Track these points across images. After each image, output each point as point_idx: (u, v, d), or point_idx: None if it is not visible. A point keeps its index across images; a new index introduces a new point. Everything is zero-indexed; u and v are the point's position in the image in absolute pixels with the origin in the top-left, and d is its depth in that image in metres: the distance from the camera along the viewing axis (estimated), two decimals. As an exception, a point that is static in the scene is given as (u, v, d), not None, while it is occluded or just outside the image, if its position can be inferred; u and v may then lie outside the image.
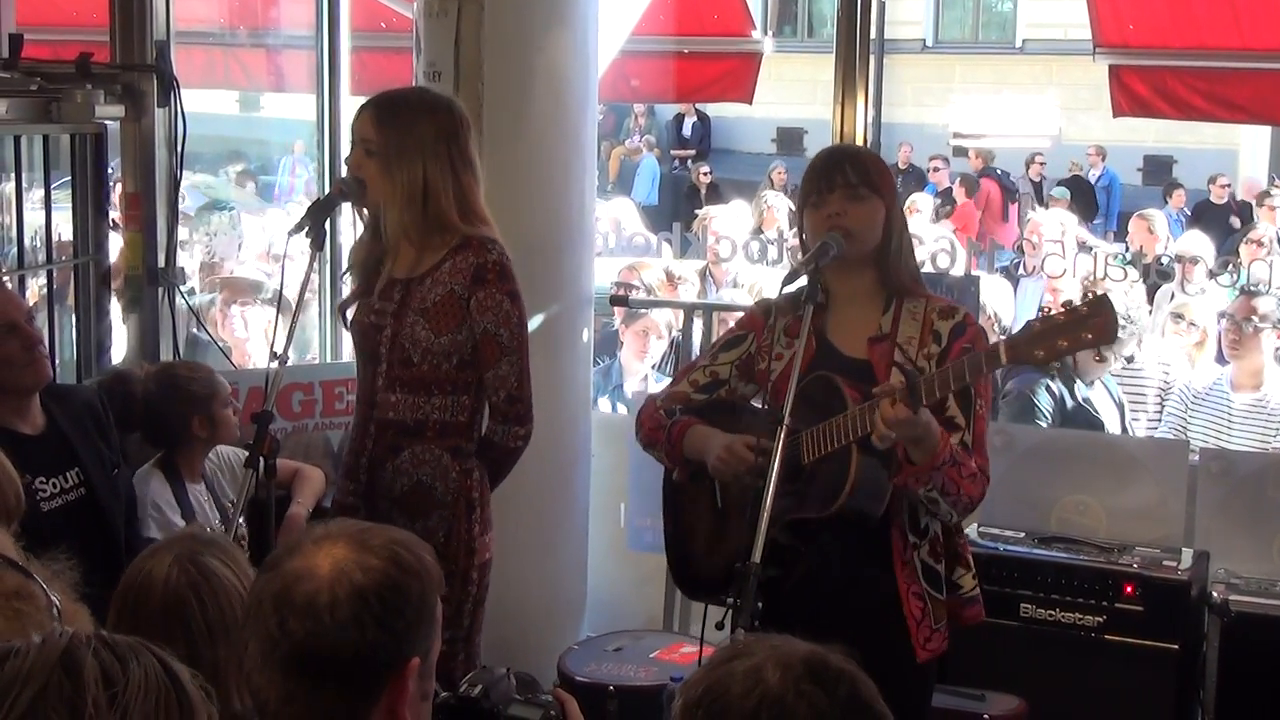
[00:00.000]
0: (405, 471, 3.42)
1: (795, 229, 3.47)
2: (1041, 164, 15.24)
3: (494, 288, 3.37)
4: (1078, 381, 4.82)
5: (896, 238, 3.02)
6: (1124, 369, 5.31)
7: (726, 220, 7.27)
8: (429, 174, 3.36)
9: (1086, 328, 2.59)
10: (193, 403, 4.07)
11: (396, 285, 3.43)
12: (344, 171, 3.56)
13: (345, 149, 5.29)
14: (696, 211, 8.57)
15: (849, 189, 2.96)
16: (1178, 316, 5.60)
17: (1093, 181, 15.28)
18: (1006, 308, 6.01)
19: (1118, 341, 4.80)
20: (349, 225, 4.95)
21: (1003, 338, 2.71)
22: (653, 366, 5.61)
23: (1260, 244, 7.57)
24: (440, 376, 3.40)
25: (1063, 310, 2.63)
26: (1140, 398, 5.21)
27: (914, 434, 2.72)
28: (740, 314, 3.54)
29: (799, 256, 3.11)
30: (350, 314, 3.57)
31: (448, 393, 3.41)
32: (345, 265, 3.65)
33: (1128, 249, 7.72)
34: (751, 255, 5.64)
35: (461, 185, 3.41)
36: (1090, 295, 2.69)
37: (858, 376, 2.92)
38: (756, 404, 3.20)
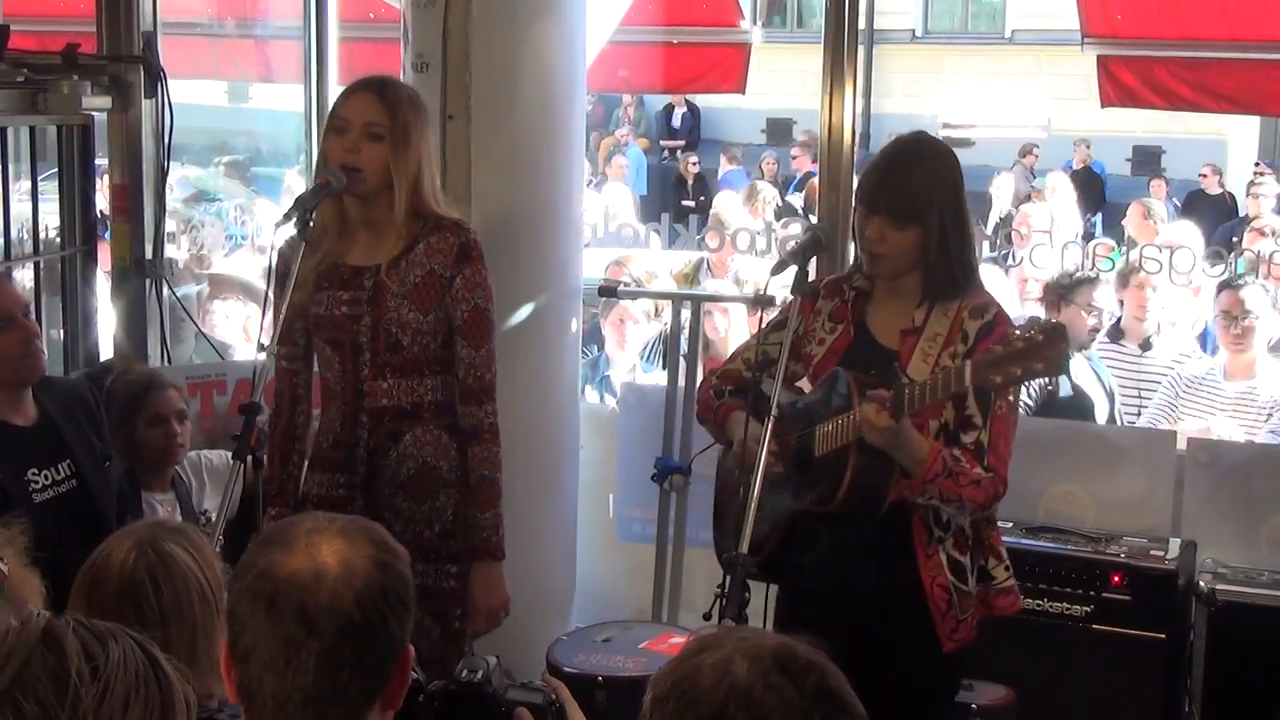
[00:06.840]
0: (410, 455, 3.43)
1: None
2: (1034, 156, 15.20)
3: (479, 264, 3.43)
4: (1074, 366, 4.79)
5: (944, 252, 3.00)
6: (1138, 358, 5.30)
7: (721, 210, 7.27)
8: (422, 159, 3.39)
9: (1039, 357, 2.64)
10: (131, 401, 4.04)
11: (364, 273, 3.40)
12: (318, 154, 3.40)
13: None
14: (684, 202, 8.56)
15: (893, 220, 2.98)
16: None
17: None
18: (1002, 295, 5.99)
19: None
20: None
21: (968, 360, 2.77)
22: (641, 356, 5.60)
23: (1262, 233, 7.53)
24: (430, 357, 3.42)
25: (1021, 337, 2.68)
26: (1153, 390, 5.18)
27: (895, 443, 2.83)
28: (726, 304, 3.60)
29: (787, 247, 3.15)
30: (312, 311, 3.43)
31: (437, 372, 3.43)
32: (288, 261, 3.37)
33: (1123, 237, 7.71)
34: (739, 245, 5.64)
35: (435, 171, 3.48)
36: (1050, 321, 2.75)
37: (889, 365, 3.00)
38: (804, 385, 3.24)
